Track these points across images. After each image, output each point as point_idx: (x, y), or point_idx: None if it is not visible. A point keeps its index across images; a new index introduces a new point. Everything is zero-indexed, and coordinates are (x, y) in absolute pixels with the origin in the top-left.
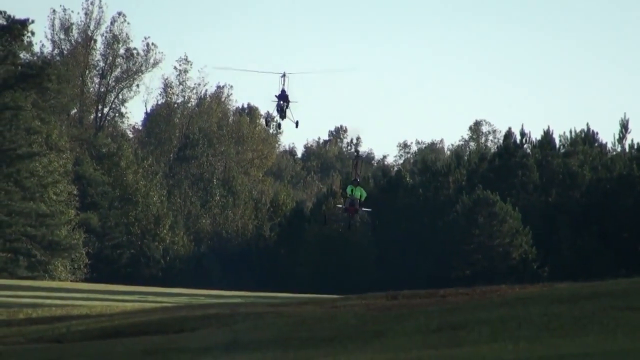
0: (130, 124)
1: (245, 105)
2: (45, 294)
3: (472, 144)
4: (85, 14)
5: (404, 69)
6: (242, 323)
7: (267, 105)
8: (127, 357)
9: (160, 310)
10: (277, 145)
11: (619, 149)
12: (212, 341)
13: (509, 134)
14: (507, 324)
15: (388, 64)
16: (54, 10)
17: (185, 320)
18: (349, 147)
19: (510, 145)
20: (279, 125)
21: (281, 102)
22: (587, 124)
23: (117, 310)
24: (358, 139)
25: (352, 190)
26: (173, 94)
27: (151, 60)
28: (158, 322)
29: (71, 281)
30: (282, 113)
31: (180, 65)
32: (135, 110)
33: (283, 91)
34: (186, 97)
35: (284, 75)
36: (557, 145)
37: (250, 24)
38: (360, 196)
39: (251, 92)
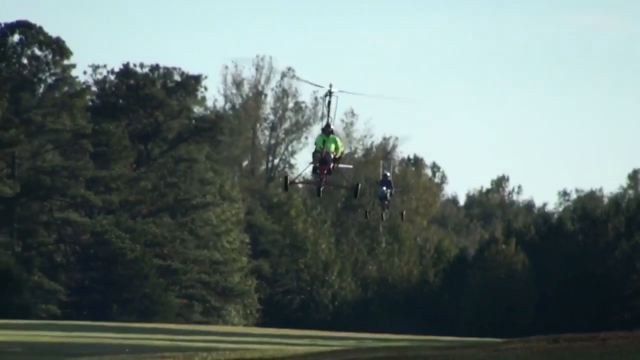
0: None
1: (411, 156)
2: (219, 338)
3: (630, 191)
4: (256, 69)
5: (562, 119)
6: None
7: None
8: None
9: (330, 353)
10: (441, 194)
11: None
12: None
13: None
14: None
15: (546, 113)
16: (226, 66)
17: None
18: (510, 195)
19: None
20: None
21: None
22: None
23: (289, 354)
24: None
25: (323, 142)
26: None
27: (319, 114)
28: None
29: (244, 326)
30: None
31: (346, 117)
32: (303, 162)
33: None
34: (352, 148)
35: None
36: None
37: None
38: (335, 149)
39: (416, 142)
